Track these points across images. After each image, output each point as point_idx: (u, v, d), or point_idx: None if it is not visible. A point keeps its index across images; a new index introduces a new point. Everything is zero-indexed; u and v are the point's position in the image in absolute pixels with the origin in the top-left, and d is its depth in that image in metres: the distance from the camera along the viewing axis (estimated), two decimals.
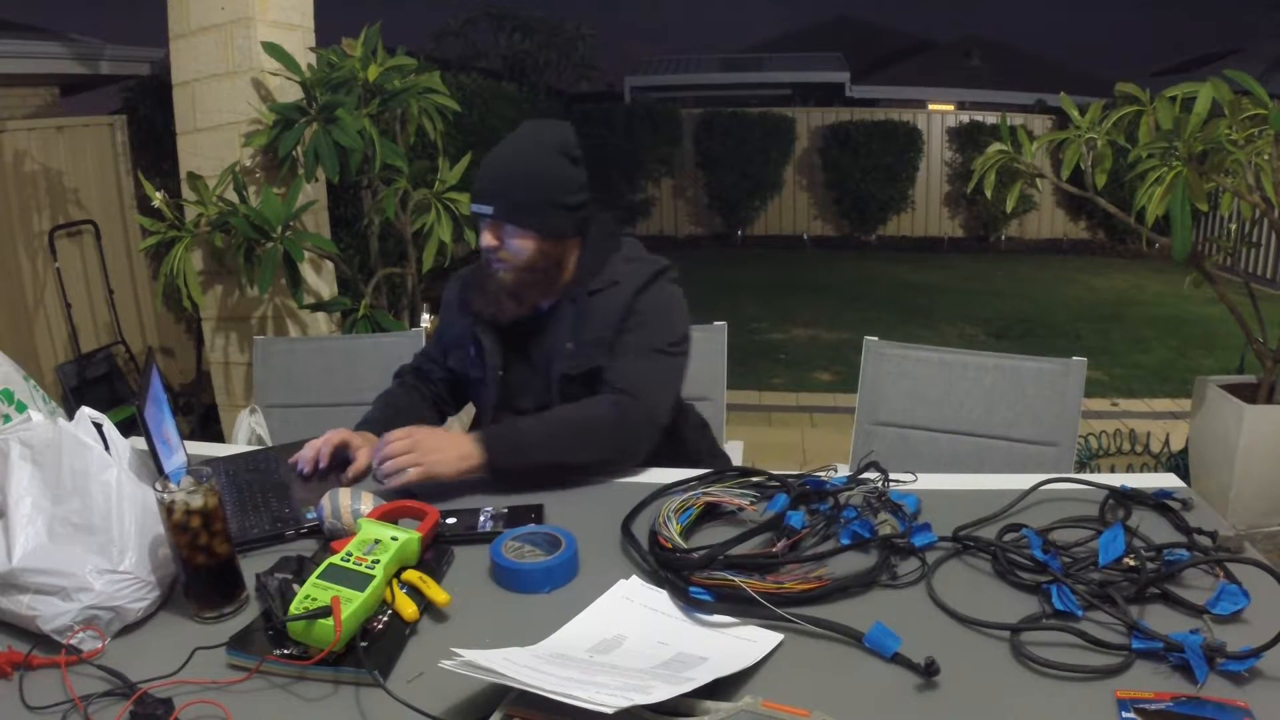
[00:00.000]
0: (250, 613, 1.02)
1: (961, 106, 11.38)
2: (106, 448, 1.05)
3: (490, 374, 1.55)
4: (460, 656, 0.81)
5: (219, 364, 3.05)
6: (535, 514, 1.23)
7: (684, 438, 1.61)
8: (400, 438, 1.31)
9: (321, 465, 1.41)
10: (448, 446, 1.32)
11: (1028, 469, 1.72)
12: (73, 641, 0.92)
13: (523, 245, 1.45)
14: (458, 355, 1.64)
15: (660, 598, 1.03)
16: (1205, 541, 1.09)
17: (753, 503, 1.25)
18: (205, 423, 3.74)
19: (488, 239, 1.46)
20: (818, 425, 4.23)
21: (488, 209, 1.43)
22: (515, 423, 1.40)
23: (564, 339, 1.48)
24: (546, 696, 0.76)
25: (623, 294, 1.47)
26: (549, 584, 1.06)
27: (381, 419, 1.56)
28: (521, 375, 1.54)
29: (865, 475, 1.29)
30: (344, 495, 1.17)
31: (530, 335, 1.53)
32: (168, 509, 0.97)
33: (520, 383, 1.54)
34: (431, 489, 1.32)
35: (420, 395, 1.68)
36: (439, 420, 1.70)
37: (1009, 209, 3.20)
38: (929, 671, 0.85)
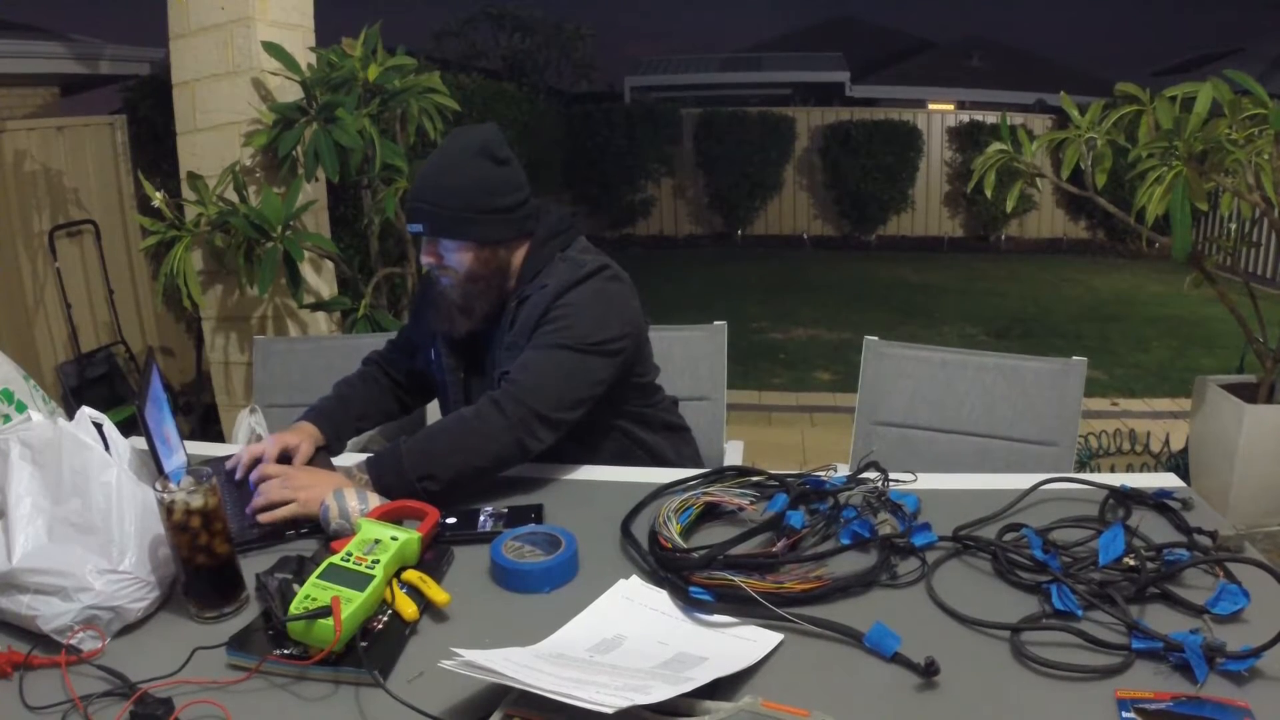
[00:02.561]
0: (250, 613, 1.02)
1: (961, 106, 11.38)
2: (106, 448, 1.05)
3: (451, 379, 1.56)
4: (460, 656, 0.81)
5: (219, 364, 3.05)
6: (535, 514, 1.23)
7: (641, 439, 1.57)
8: (273, 474, 1.27)
9: (251, 478, 1.32)
10: (321, 483, 1.23)
11: (1028, 469, 1.72)
12: (73, 641, 0.92)
13: (461, 258, 1.43)
14: (424, 356, 1.65)
15: (660, 598, 1.03)
16: (1205, 541, 1.09)
17: (753, 502, 1.25)
18: (205, 423, 3.74)
19: (426, 257, 1.46)
20: (818, 425, 4.23)
21: (418, 228, 1.43)
22: (396, 444, 1.31)
23: (499, 344, 1.48)
24: (546, 696, 0.76)
25: (545, 296, 1.42)
26: (549, 584, 1.06)
27: (327, 410, 1.58)
28: (479, 382, 1.55)
29: (865, 475, 1.29)
30: (346, 495, 1.17)
31: (479, 344, 1.54)
32: (168, 509, 0.97)
33: (479, 389, 1.52)
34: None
35: (379, 387, 1.69)
36: (399, 411, 1.72)
37: (1009, 209, 3.20)
38: (929, 671, 0.85)
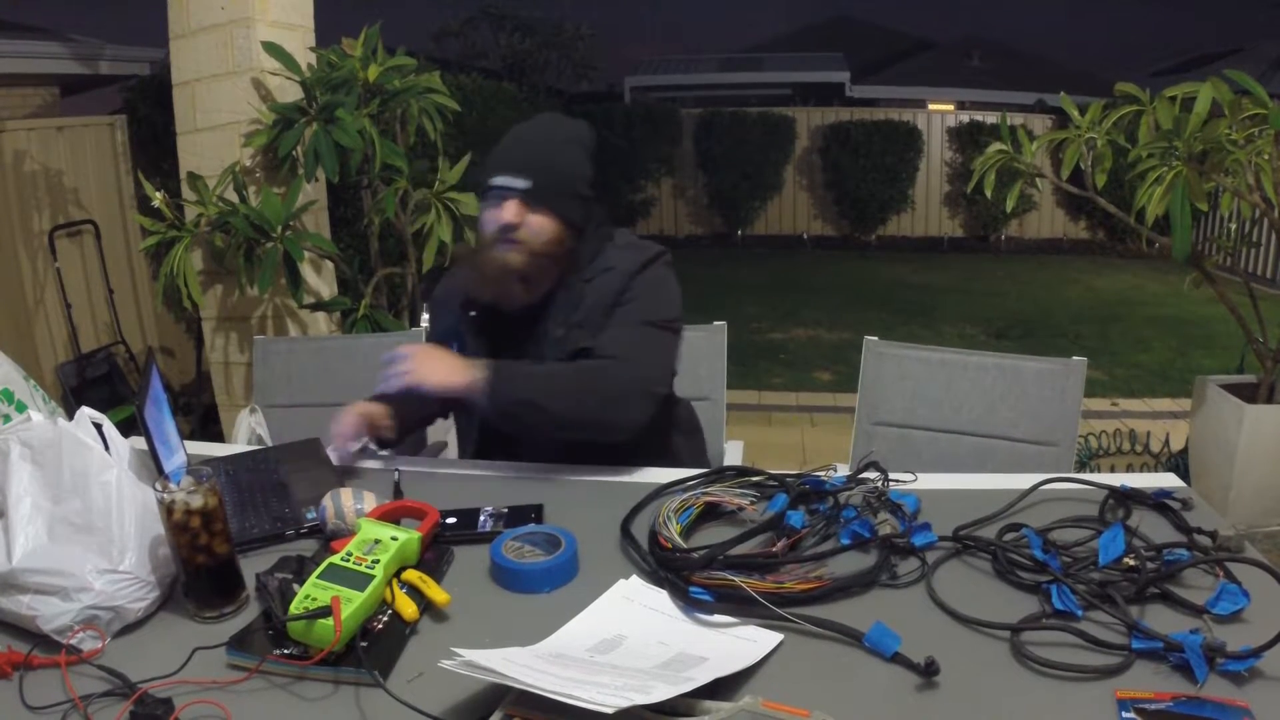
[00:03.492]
0: (250, 613, 1.02)
1: (961, 106, 11.37)
2: (106, 448, 1.05)
3: None
4: (460, 656, 0.81)
5: (219, 364, 3.05)
6: (535, 514, 1.23)
7: (670, 441, 1.59)
8: (406, 350, 1.37)
9: (355, 448, 1.45)
10: (443, 361, 1.36)
11: (1028, 469, 1.72)
12: (73, 641, 0.92)
13: (542, 229, 1.42)
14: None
15: (660, 598, 1.03)
16: (1205, 541, 1.09)
17: (753, 503, 1.25)
18: (205, 423, 3.74)
19: (510, 214, 1.41)
20: (818, 425, 4.23)
21: (521, 183, 1.41)
22: (519, 363, 1.40)
23: (555, 327, 1.47)
24: (546, 696, 0.76)
25: (617, 277, 1.46)
26: (549, 584, 1.06)
27: (395, 401, 1.54)
28: None
29: (865, 475, 1.29)
30: (346, 495, 1.17)
31: (519, 328, 1.51)
32: (168, 509, 0.97)
33: None
34: (432, 490, 1.32)
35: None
36: (443, 412, 1.71)
37: (1009, 209, 3.20)
38: (929, 671, 0.85)
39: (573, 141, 1.48)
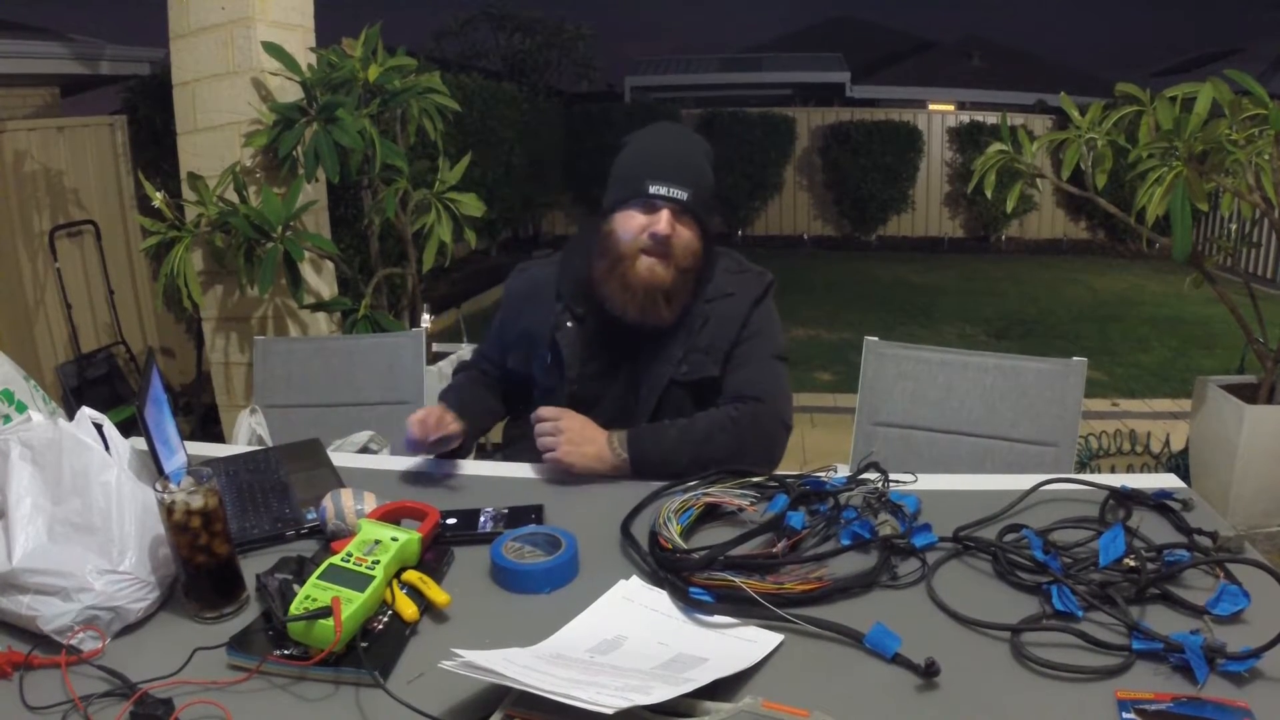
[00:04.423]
0: (250, 613, 1.02)
1: (961, 106, 11.38)
2: (106, 448, 1.05)
3: (563, 383, 1.47)
4: (460, 657, 0.81)
5: (219, 364, 3.05)
6: (535, 514, 1.23)
7: None
8: (550, 418, 1.35)
9: (431, 438, 1.36)
10: (587, 443, 1.34)
11: (1028, 469, 1.72)
12: (73, 641, 0.92)
13: (691, 242, 1.39)
14: (519, 355, 1.55)
15: (660, 598, 1.03)
16: (1205, 542, 1.09)
17: (753, 503, 1.24)
18: (205, 423, 3.74)
19: (664, 225, 1.35)
20: (818, 425, 4.23)
21: (683, 194, 1.35)
22: (658, 429, 1.37)
23: (674, 348, 1.43)
24: (546, 697, 0.76)
25: (739, 305, 1.45)
26: (549, 584, 1.06)
27: (460, 405, 1.47)
28: (600, 386, 1.46)
29: (865, 476, 1.29)
30: (346, 496, 1.17)
31: (637, 343, 1.44)
32: (168, 509, 0.97)
33: (592, 395, 1.46)
34: (433, 490, 1.32)
35: (492, 389, 1.62)
36: (505, 413, 1.64)
37: (1009, 209, 3.20)
38: (929, 672, 0.85)
39: (709, 155, 1.45)
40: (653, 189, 1.35)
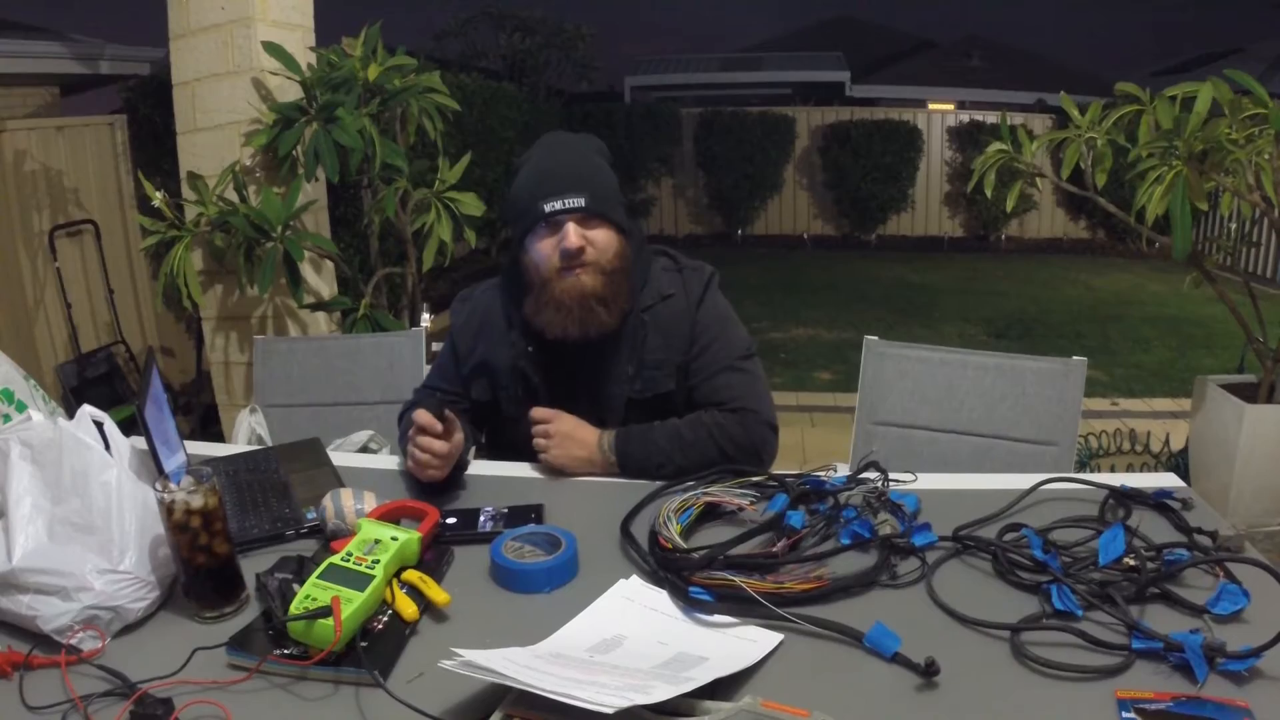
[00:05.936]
0: (250, 613, 1.02)
1: (961, 106, 11.37)
2: (107, 446, 1.05)
3: (519, 413, 1.43)
4: (460, 656, 0.81)
5: (219, 364, 3.05)
6: (535, 514, 1.23)
7: None
8: (543, 419, 1.37)
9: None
10: (578, 446, 1.37)
11: (1028, 469, 1.72)
12: (73, 641, 0.92)
13: (609, 242, 1.36)
14: (481, 385, 1.50)
15: (660, 598, 1.03)
16: (1205, 541, 1.09)
17: (752, 503, 1.25)
18: (205, 423, 3.74)
19: (574, 241, 1.33)
20: (818, 425, 4.23)
21: (579, 200, 1.33)
22: (647, 433, 1.38)
23: (622, 361, 1.41)
24: (546, 696, 0.76)
25: (679, 308, 1.43)
26: (549, 584, 1.06)
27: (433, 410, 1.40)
28: (565, 407, 1.41)
29: (865, 475, 1.29)
30: (346, 495, 1.17)
31: (586, 362, 1.43)
32: (168, 509, 0.97)
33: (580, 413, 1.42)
34: (432, 490, 1.32)
35: (463, 415, 1.49)
36: (476, 443, 1.55)
37: (1009, 208, 3.20)
38: (929, 671, 0.85)
39: (599, 152, 1.44)
40: (548, 207, 1.33)
